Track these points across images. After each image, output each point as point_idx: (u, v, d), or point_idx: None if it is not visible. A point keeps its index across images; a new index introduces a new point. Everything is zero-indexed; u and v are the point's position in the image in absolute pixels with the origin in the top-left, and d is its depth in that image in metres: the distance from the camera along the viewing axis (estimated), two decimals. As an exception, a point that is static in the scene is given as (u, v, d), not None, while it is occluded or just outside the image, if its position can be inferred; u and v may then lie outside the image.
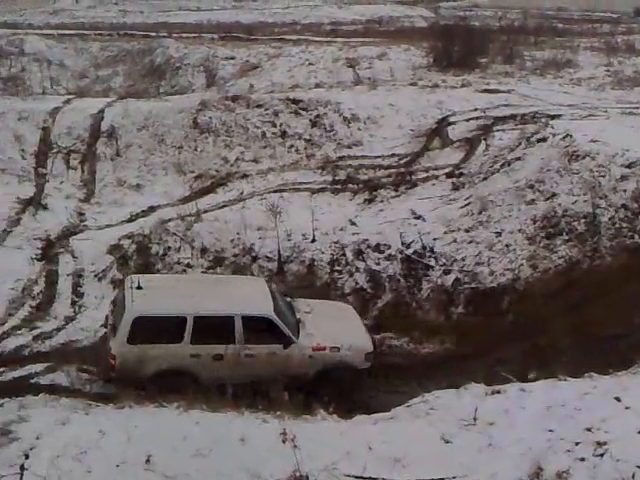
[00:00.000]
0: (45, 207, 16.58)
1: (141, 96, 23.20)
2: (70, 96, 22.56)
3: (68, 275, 14.42)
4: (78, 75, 29.64)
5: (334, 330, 11.33)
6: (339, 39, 32.94)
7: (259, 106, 19.69)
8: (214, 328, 10.49)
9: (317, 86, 23.16)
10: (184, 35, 34.57)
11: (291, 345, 10.76)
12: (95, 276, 14.38)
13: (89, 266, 14.60)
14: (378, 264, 14.30)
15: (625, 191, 13.34)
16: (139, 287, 10.78)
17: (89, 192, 17.56)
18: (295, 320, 11.28)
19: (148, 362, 10.24)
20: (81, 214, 16.65)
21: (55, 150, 18.42)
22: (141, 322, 10.31)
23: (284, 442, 6.95)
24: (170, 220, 15.39)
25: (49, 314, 13.42)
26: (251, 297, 11.31)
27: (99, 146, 18.64)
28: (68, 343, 12.35)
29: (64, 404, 8.34)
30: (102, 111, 19.68)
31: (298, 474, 6.47)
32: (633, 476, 5.91)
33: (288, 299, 12.07)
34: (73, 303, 13.68)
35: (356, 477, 6.59)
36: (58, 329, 12.89)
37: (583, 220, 13.28)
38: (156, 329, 10.39)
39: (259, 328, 10.63)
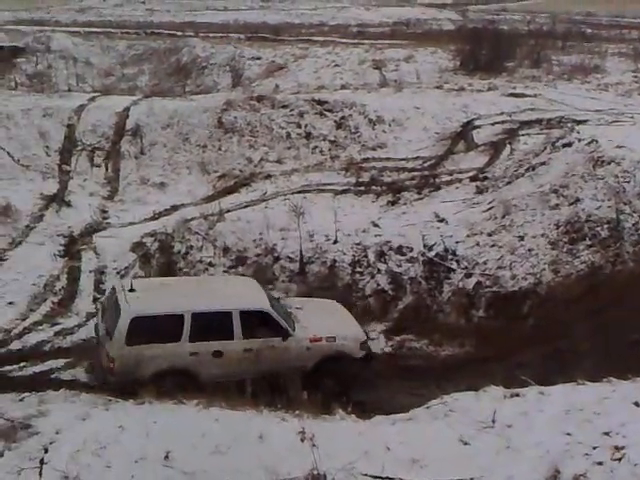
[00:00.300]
0: (68, 204, 16.75)
1: (166, 95, 23.39)
2: (95, 94, 22.80)
3: (90, 272, 14.53)
4: (104, 73, 29.98)
5: (327, 322, 11.50)
6: (366, 41, 33.00)
7: (284, 107, 19.76)
8: (212, 325, 10.45)
9: (343, 87, 23.19)
10: (211, 35, 34.88)
11: (289, 337, 10.80)
12: (117, 273, 14.48)
13: (111, 263, 14.72)
14: (400, 266, 14.29)
15: (650, 197, 13.22)
16: (132, 289, 10.67)
17: (113, 190, 17.71)
18: (289, 314, 11.40)
19: (147, 363, 10.09)
20: (104, 212, 16.79)
21: (79, 147, 18.61)
22: (138, 323, 10.16)
23: (302, 441, 6.96)
24: (193, 219, 15.49)
25: (70, 310, 13.53)
26: (246, 293, 11.36)
27: (123, 144, 18.79)
28: (89, 339, 12.46)
29: (84, 399, 8.42)
30: (127, 109, 19.84)
31: (316, 472, 6.48)
32: (651, 482, 5.88)
33: (276, 297, 12.16)
34: (95, 300, 13.78)
35: (374, 477, 6.59)
36: (79, 325, 13.01)
37: (606, 226, 13.18)
38: (154, 329, 10.28)
39: (257, 322, 10.65)
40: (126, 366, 10.01)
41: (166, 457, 6.84)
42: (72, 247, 15.32)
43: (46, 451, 7.04)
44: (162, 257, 14.68)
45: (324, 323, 11.41)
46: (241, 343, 10.56)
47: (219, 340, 10.53)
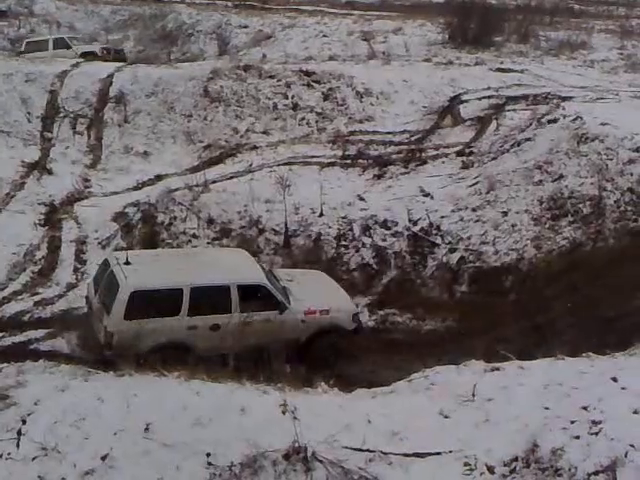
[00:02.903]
0: (50, 172, 16.57)
1: (151, 62, 23.05)
2: (79, 59, 22.41)
3: (71, 242, 14.43)
4: (88, 38, 29.39)
5: (320, 295, 11.57)
6: (355, 12, 32.60)
7: (271, 77, 19.55)
8: (210, 299, 10.44)
9: (331, 59, 23.00)
10: (197, 1, 34.28)
11: (285, 311, 10.87)
12: (99, 243, 14.39)
13: (93, 233, 14.61)
14: (385, 240, 14.29)
15: (632, 174, 13.27)
16: (127, 262, 10.56)
17: (95, 158, 17.52)
18: (282, 287, 11.40)
19: (146, 337, 10.02)
20: (86, 180, 16.62)
21: (62, 114, 18.37)
22: (137, 297, 10.09)
23: (284, 413, 6.99)
24: (177, 189, 15.36)
25: (51, 280, 13.45)
26: (242, 266, 11.35)
27: (107, 112, 18.56)
28: (69, 310, 12.38)
29: (63, 370, 8.32)
30: (111, 76, 19.58)
31: (297, 445, 6.51)
32: (626, 455, 5.95)
33: (267, 268, 12.18)
34: (75, 270, 13.70)
35: (354, 449, 6.63)
36: (59, 296, 12.93)
37: (589, 202, 13.23)
38: (153, 303, 10.20)
39: (254, 296, 10.65)
40: (124, 340, 9.92)
41: (146, 429, 6.82)
42: (53, 216, 15.20)
43: (24, 422, 6.99)
44: (145, 228, 14.58)
45: (317, 296, 11.47)
46: (238, 317, 10.55)
47: (217, 314, 10.51)
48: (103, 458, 6.61)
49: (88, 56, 24.31)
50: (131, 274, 10.34)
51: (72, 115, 18.38)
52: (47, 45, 25.64)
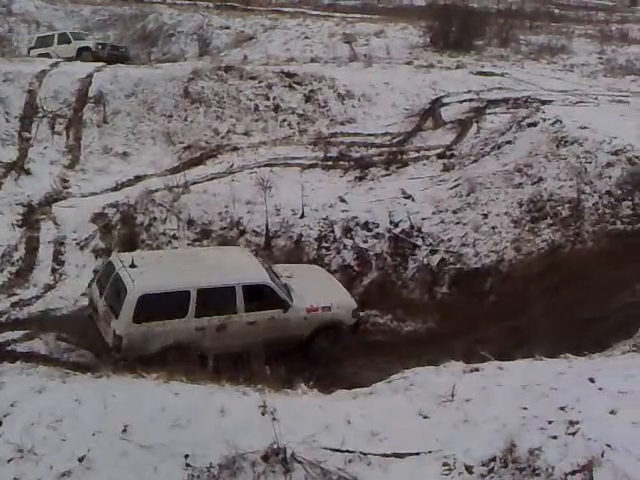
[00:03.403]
0: (28, 172, 16.38)
1: (132, 62, 22.90)
2: (58, 59, 22.21)
3: (49, 242, 14.29)
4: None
5: (320, 291, 11.77)
6: (337, 14, 32.65)
7: (253, 78, 19.51)
8: (216, 300, 10.58)
9: (312, 60, 22.97)
10: (178, 2, 34.13)
11: (289, 309, 11.06)
12: (77, 244, 14.26)
13: (71, 234, 14.47)
14: (366, 242, 14.31)
15: (610, 178, 13.41)
16: (133, 265, 10.60)
17: (74, 159, 17.36)
18: (283, 284, 11.49)
19: (154, 339, 10.12)
20: (65, 181, 16.46)
21: (40, 114, 18.18)
22: (146, 300, 10.15)
23: (263, 414, 6.97)
24: (157, 190, 15.26)
25: (28, 281, 13.32)
26: (246, 266, 11.44)
27: (86, 112, 18.41)
28: (47, 311, 12.26)
29: (41, 372, 8.27)
30: (90, 76, 19.43)
31: (276, 446, 6.50)
32: (603, 454, 5.99)
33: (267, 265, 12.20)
34: (53, 271, 13.57)
35: (334, 450, 6.63)
36: (37, 297, 12.82)
37: (567, 205, 13.35)
38: (160, 306, 10.27)
39: (258, 296, 10.84)
40: (133, 343, 10.02)
41: (124, 430, 6.77)
42: (31, 217, 15.04)
43: (0, 424, 6.92)
44: (124, 229, 14.47)
45: (318, 292, 11.67)
46: (244, 316, 10.73)
47: (223, 314, 10.63)
48: (80, 460, 6.55)
49: (84, 52, 24.26)
50: (138, 277, 10.38)
51: (51, 115, 18.20)
52: (53, 40, 25.63)
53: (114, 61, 23.04)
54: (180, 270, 10.98)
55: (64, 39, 25.52)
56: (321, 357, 10.92)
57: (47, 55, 24.52)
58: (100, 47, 25.18)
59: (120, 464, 6.53)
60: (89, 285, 12.04)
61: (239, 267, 11.33)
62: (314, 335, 11.27)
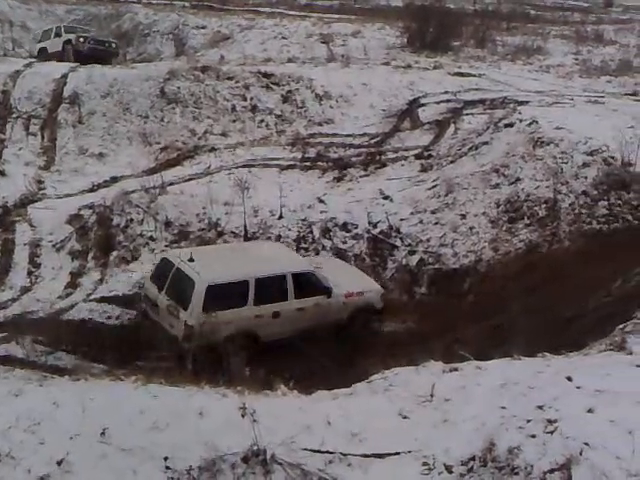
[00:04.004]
0: (3, 173, 16.17)
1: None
2: (32, 59, 21.97)
3: (25, 244, 14.15)
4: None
5: (350, 279, 12.59)
6: (314, 14, 32.64)
7: (230, 78, 19.44)
8: (271, 288, 11.33)
9: (289, 61, 22.94)
10: (154, 1, 33.89)
11: (332, 294, 11.83)
12: (53, 246, 14.12)
13: (47, 236, 14.33)
14: (345, 243, 14.34)
15: (586, 178, 13.56)
16: (191, 259, 11.12)
17: (49, 160, 17.17)
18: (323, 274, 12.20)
19: (220, 328, 10.63)
20: (40, 182, 16.30)
21: (15, 115, 17.96)
22: (212, 291, 10.75)
23: (243, 416, 6.92)
24: (133, 191, 15.13)
25: (4, 284, 13.18)
26: (290, 257, 12.40)
27: (61, 112, 18.22)
28: (23, 314, 12.11)
29: (18, 375, 8.17)
30: (65, 76, 19.23)
31: (256, 448, 6.47)
32: (581, 453, 6.05)
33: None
34: (29, 273, 13.43)
35: (314, 451, 6.62)
36: (13, 299, 12.70)
37: (544, 205, 13.48)
38: (225, 295, 10.89)
39: (305, 283, 11.65)
40: (203, 332, 10.53)
41: (102, 433, 6.71)
42: (6, 218, 14.87)
43: (-23, 428, 6.81)
44: (100, 230, 14.36)
45: (348, 280, 12.46)
46: (294, 303, 11.54)
47: (276, 302, 11.41)
48: (59, 463, 6.49)
49: (67, 45, 23.99)
50: (202, 270, 10.97)
51: (25, 116, 18.00)
52: (51, 34, 25.25)
53: (98, 57, 22.60)
54: (236, 262, 11.77)
55: (57, 33, 25.11)
56: (360, 337, 11.57)
57: (45, 49, 24.51)
58: (82, 40, 24.15)
59: (99, 467, 6.48)
60: (142, 285, 12.35)
61: (285, 258, 12.18)
62: (351, 319, 12.01)
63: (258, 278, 11.17)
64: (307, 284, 11.63)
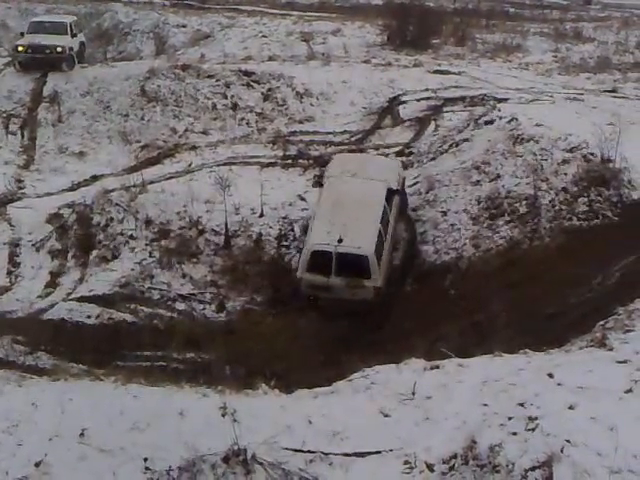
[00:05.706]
0: (-19, 173, 16.02)
1: (87, 61, 22.50)
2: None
3: (4, 244, 14.05)
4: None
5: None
6: (294, 12, 32.48)
7: (210, 76, 19.37)
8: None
9: (270, 59, 22.85)
10: (134, 0, 33.57)
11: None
12: (33, 245, 14.01)
13: (27, 235, 14.23)
14: (325, 240, 14.27)
15: (566, 174, 13.61)
16: (340, 240, 12.26)
17: (29, 158, 17.07)
18: None
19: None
20: (20, 181, 16.21)
21: (-6, 114, 17.81)
22: (375, 254, 12.36)
23: (224, 416, 6.91)
24: (114, 190, 15.06)
25: (-17, 284, 13.01)
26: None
27: (40, 111, 18.13)
28: (3, 314, 11.98)
29: (-4, 375, 8.09)
30: (45, 75, 19.06)
31: (236, 447, 6.44)
32: (562, 450, 6.07)
33: None
34: (9, 273, 13.34)
35: (295, 450, 6.60)
36: (-7, 299, 12.53)
37: (525, 202, 13.53)
38: (379, 255, 12.55)
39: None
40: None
41: (81, 434, 6.68)
42: (-15, 218, 14.68)
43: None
44: (80, 229, 14.27)
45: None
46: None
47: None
48: (37, 464, 6.45)
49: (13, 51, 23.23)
50: (360, 244, 12.32)
51: (4, 115, 17.92)
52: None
53: (38, 65, 19.72)
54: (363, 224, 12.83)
55: (22, 33, 24.29)
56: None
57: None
58: (19, 50, 20.24)
59: (78, 469, 6.44)
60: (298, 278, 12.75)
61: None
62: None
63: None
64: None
